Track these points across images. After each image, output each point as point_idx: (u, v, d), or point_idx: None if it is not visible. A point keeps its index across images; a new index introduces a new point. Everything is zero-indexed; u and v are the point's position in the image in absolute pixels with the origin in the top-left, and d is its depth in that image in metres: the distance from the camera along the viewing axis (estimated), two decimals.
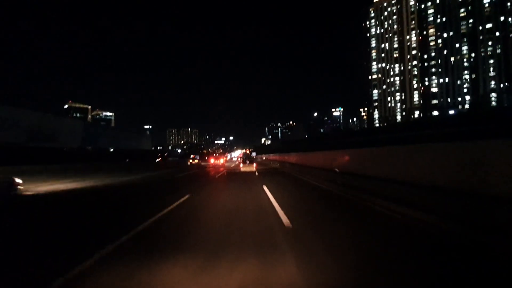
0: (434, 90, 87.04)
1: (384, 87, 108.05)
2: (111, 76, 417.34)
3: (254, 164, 24.00)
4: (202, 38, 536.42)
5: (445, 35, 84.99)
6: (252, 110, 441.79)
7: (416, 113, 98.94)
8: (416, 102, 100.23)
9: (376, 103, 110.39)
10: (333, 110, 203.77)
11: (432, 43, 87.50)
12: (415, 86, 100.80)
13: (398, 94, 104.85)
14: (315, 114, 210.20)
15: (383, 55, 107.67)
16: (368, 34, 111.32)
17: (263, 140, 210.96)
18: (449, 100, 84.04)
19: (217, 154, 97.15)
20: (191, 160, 50.64)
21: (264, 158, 57.41)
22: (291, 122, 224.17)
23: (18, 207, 8.35)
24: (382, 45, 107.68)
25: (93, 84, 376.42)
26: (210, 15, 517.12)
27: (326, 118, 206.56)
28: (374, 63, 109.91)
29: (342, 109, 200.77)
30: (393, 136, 11.12)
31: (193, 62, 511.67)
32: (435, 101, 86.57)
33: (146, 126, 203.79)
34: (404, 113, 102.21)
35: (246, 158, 32.49)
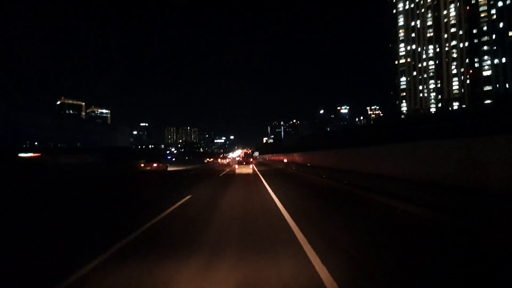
0: (486, 73, 68.93)
1: (415, 73, 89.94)
2: (110, 75, 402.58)
3: (251, 166, 23.15)
4: (203, 37, 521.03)
5: (500, 3, 67.06)
6: (254, 108, 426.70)
7: (455, 104, 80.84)
8: (456, 91, 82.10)
9: (404, 93, 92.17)
10: (340, 108, 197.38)
11: (482, 15, 69.48)
12: (454, 71, 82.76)
13: (432, 81, 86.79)
14: (321, 111, 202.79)
15: (413, 35, 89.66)
16: (394, 11, 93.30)
17: (265, 139, 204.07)
18: (507, 85, 65.97)
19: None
20: (208, 159, 71.91)
21: (282, 159, 50.65)
22: (294, 121, 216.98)
23: (171, 172, 24.52)
24: (412, 23, 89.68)
25: (92, 83, 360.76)
26: (211, 13, 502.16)
27: (333, 116, 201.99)
28: (402, 45, 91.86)
29: (348, 107, 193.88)
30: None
31: (193, 60, 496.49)
32: (487, 88, 68.45)
33: (142, 124, 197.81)
34: (440, 104, 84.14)
35: (244, 158, 34.78)
